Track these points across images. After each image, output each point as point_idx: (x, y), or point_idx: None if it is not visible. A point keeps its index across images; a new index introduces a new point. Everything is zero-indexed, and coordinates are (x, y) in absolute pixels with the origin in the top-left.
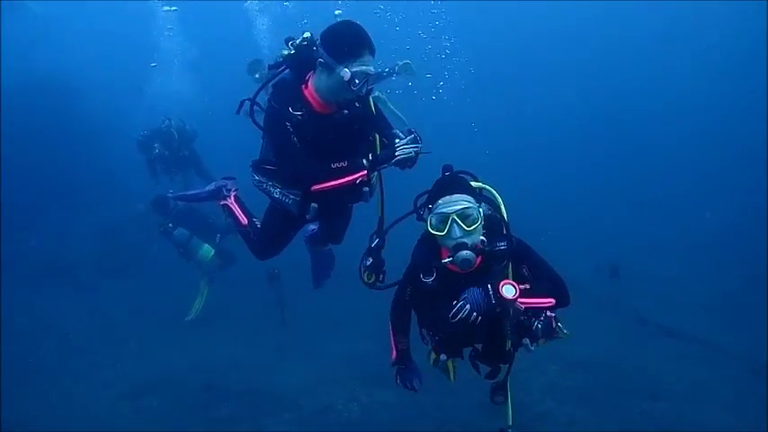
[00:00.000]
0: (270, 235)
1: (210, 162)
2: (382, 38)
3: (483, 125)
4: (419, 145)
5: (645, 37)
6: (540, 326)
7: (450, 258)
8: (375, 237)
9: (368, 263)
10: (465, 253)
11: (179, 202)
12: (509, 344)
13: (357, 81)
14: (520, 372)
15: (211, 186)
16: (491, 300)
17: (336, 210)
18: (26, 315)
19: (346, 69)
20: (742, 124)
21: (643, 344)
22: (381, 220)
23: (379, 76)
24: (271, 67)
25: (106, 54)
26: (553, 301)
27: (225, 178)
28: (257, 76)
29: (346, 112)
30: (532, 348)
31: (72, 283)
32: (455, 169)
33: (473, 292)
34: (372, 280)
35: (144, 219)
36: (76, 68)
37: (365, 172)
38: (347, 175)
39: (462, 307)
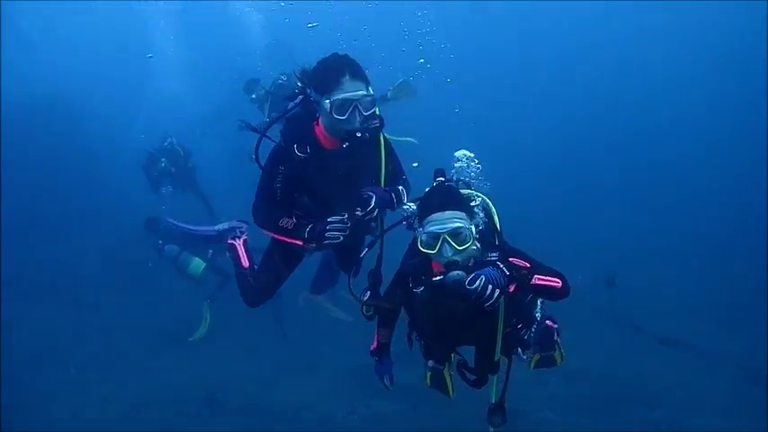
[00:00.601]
0: (267, 270)
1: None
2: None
3: (478, 127)
4: (347, 227)
5: (645, 37)
6: (531, 335)
7: (441, 277)
8: (371, 276)
9: (365, 298)
10: (456, 273)
11: (170, 220)
12: (498, 353)
13: (342, 110)
14: (518, 383)
15: (224, 226)
16: (505, 272)
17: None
18: (29, 332)
19: (327, 101)
20: (741, 128)
21: (641, 352)
22: (380, 256)
23: (365, 99)
24: (285, 98)
25: (100, 67)
26: (560, 283)
27: (240, 221)
28: (254, 96)
29: (346, 145)
30: (524, 357)
31: (74, 300)
32: (446, 173)
33: (485, 271)
34: (371, 313)
35: (142, 239)
36: (73, 85)
37: (300, 242)
38: (287, 237)
39: (477, 276)
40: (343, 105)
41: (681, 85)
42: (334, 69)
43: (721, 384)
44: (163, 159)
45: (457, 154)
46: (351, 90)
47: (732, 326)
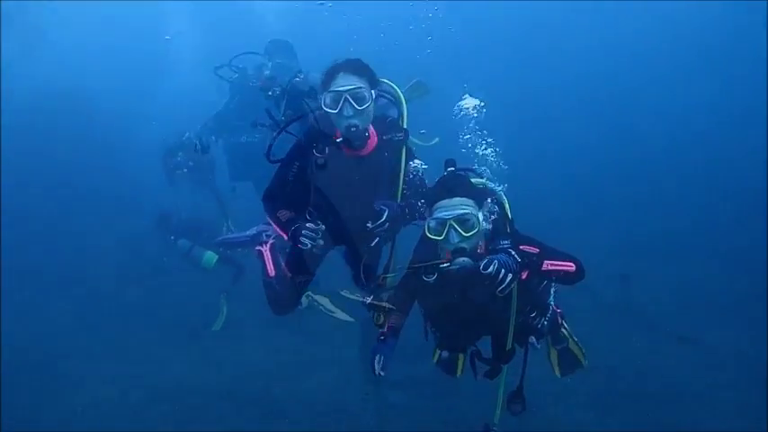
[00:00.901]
0: (290, 272)
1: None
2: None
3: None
4: (317, 238)
5: (647, 37)
6: (545, 323)
7: (448, 264)
8: (376, 280)
9: (367, 302)
10: (462, 260)
11: (221, 238)
12: (510, 341)
13: (333, 103)
14: (529, 378)
15: (253, 231)
16: (517, 259)
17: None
18: (45, 324)
19: (322, 96)
20: (744, 125)
21: (653, 349)
22: (388, 264)
23: (356, 91)
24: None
25: (116, 58)
26: (573, 266)
27: (266, 223)
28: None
29: (340, 140)
30: (538, 346)
31: (92, 292)
32: (458, 164)
33: (498, 257)
34: (381, 321)
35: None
36: (88, 75)
37: (285, 237)
38: (280, 228)
39: (490, 261)
40: (332, 98)
41: (688, 83)
42: (333, 68)
43: (734, 382)
44: (180, 153)
45: (462, 104)
46: (342, 84)
47: (747, 323)
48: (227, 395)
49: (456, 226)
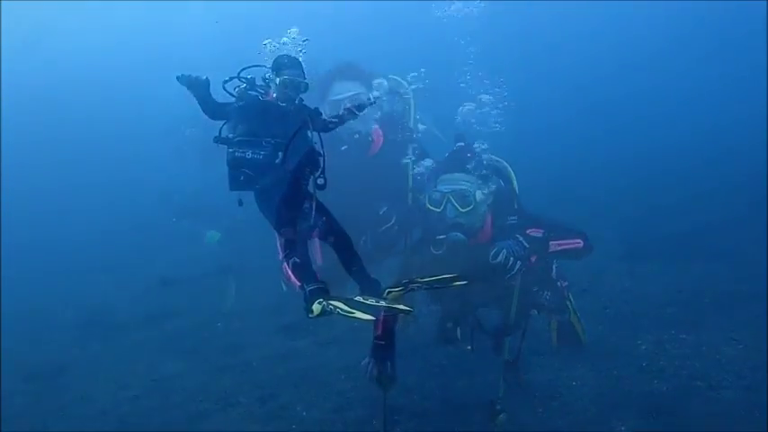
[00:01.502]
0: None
1: None
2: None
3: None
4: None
5: (650, 36)
6: (548, 296)
7: (444, 237)
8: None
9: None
10: (454, 235)
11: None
12: (513, 314)
13: (333, 111)
14: (536, 381)
15: None
16: (524, 245)
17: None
18: (64, 306)
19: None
20: (745, 125)
21: (656, 350)
22: (405, 264)
23: (355, 99)
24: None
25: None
26: (581, 242)
27: None
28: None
29: (344, 148)
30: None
31: (106, 274)
32: (468, 136)
33: (506, 244)
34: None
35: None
36: (106, 59)
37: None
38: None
39: (499, 250)
40: (331, 108)
41: (689, 83)
42: (327, 76)
43: (729, 384)
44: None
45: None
46: (339, 92)
47: (742, 324)
48: (233, 401)
49: (453, 201)
